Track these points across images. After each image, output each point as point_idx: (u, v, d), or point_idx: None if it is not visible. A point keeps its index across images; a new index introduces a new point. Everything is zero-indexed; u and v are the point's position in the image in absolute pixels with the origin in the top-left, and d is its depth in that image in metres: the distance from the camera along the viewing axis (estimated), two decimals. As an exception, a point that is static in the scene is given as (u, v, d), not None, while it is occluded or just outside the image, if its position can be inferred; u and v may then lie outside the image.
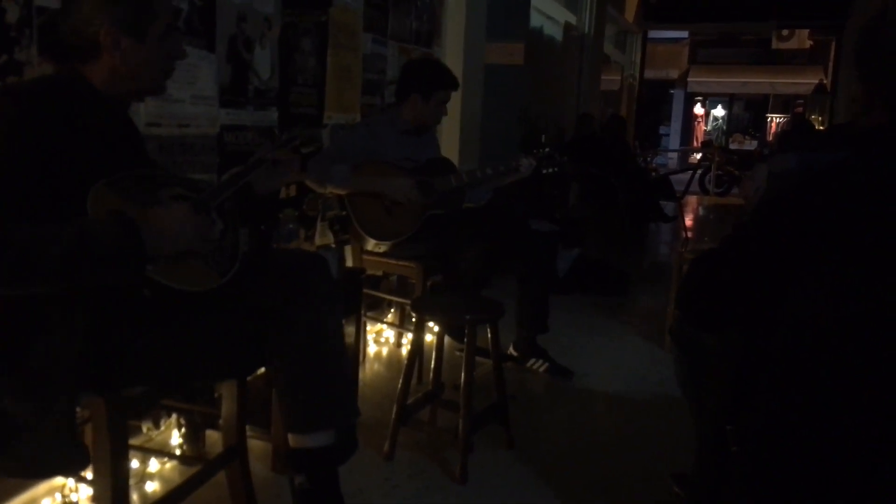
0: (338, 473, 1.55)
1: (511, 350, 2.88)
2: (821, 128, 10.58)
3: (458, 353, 2.66)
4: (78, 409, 1.31)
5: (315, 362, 1.47)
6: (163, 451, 1.97)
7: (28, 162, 1.21)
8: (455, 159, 3.59)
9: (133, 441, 1.83)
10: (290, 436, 1.51)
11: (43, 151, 1.23)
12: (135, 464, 1.85)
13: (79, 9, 1.34)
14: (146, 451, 1.92)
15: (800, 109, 16.47)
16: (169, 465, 1.94)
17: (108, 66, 1.37)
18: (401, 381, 2.08)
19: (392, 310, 3.23)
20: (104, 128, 1.38)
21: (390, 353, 3.04)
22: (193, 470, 1.62)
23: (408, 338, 2.95)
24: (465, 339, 2.03)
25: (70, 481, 1.73)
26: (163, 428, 2.06)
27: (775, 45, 16.84)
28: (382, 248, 2.64)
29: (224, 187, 1.51)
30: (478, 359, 2.10)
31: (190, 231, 1.30)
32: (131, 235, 1.19)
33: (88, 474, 1.44)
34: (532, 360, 2.86)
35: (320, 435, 1.49)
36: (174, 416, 2.02)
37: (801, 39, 16.17)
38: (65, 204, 1.22)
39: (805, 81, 17.33)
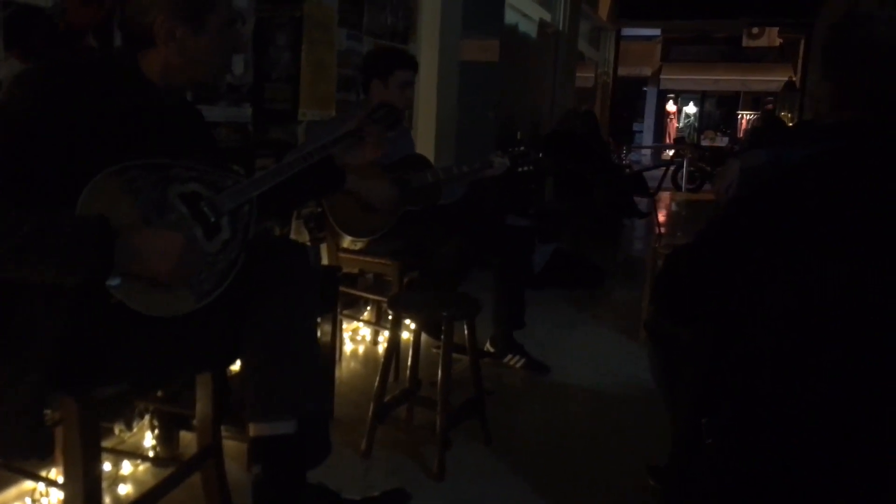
0: (302, 468, 1.51)
1: (488, 346, 2.89)
2: (790, 124, 10.74)
3: (434, 350, 2.66)
4: (48, 412, 1.29)
5: (282, 348, 1.43)
6: (136, 453, 1.94)
7: (46, 138, 1.18)
8: (431, 156, 3.58)
9: (105, 443, 1.80)
10: (250, 425, 1.46)
11: (63, 130, 1.19)
12: (107, 466, 1.81)
13: None
14: (119, 454, 1.88)
15: (770, 106, 16.68)
16: (142, 467, 1.91)
17: (163, 57, 1.33)
18: (377, 378, 2.08)
19: (368, 307, 3.22)
20: (141, 114, 1.33)
21: (367, 351, 3.03)
22: (167, 472, 1.60)
23: (384, 335, 2.94)
24: (442, 336, 2.03)
25: (41, 485, 1.70)
26: (135, 429, 2.03)
27: (746, 42, 17.07)
28: (358, 245, 2.63)
29: (251, 186, 1.43)
30: (454, 355, 2.10)
31: (170, 265, 1.23)
32: (102, 248, 1.14)
33: (59, 478, 1.41)
34: (509, 356, 2.86)
35: (279, 424, 1.44)
36: (147, 417, 1.99)
37: (771, 37, 16.40)
38: (79, 185, 1.19)
39: (775, 79, 17.57)
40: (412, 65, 2.72)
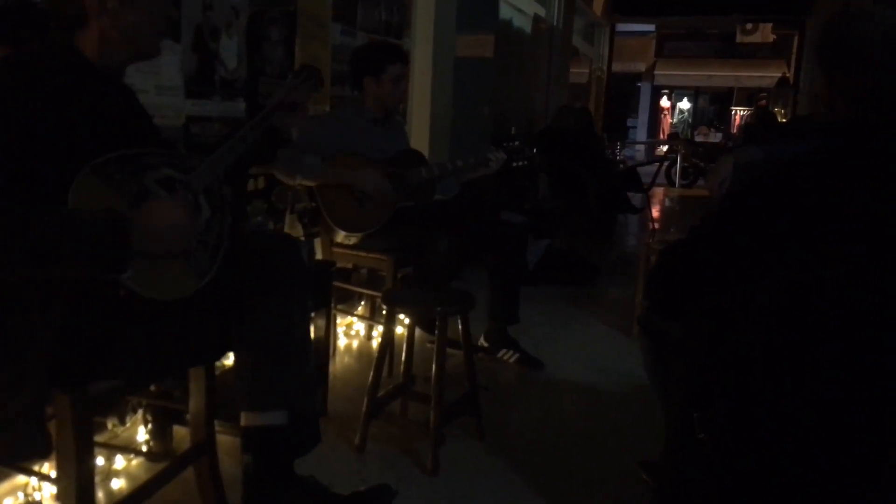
0: (291, 458, 1.52)
1: (482, 341, 2.89)
2: (783, 120, 10.78)
3: (429, 345, 2.67)
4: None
5: (277, 344, 1.44)
6: (129, 448, 1.94)
7: (12, 138, 1.17)
8: (426, 151, 3.58)
9: (98, 438, 1.80)
10: (241, 414, 1.47)
11: (29, 127, 1.18)
12: (100, 461, 1.81)
13: None
14: (112, 448, 1.88)
15: (763, 102, 16.71)
16: (135, 461, 1.91)
17: (98, 32, 1.32)
18: (371, 373, 2.08)
19: (362, 302, 3.22)
20: (95, 102, 1.32)
21: (361, 346, 3.03)
22: (161, 466, 1.60)
23: (378, 330, 2.94)
24: (436, 331, 2.03)
25: (33, 480, 1.69)
26: (129, 424, 2.03)
27: (739, 38, 17.07)
28: (352, 241, 2.62)
29: (216, 163, 1.45)
30: (449, 350, 2.10)
31: (181, 232, 1.25)
32: (120, 234, 1.14)
33: (52, 472, 1.41)
34: (503, 351, 2.87)
35: (271, 414, 1.46)
36: (140, 412, 1.99)
37: (765, 33, 16.40)
38: (49, 183, 1.18)
39: (768, 75, 17.60)
40: (403, 58, 2.72)
